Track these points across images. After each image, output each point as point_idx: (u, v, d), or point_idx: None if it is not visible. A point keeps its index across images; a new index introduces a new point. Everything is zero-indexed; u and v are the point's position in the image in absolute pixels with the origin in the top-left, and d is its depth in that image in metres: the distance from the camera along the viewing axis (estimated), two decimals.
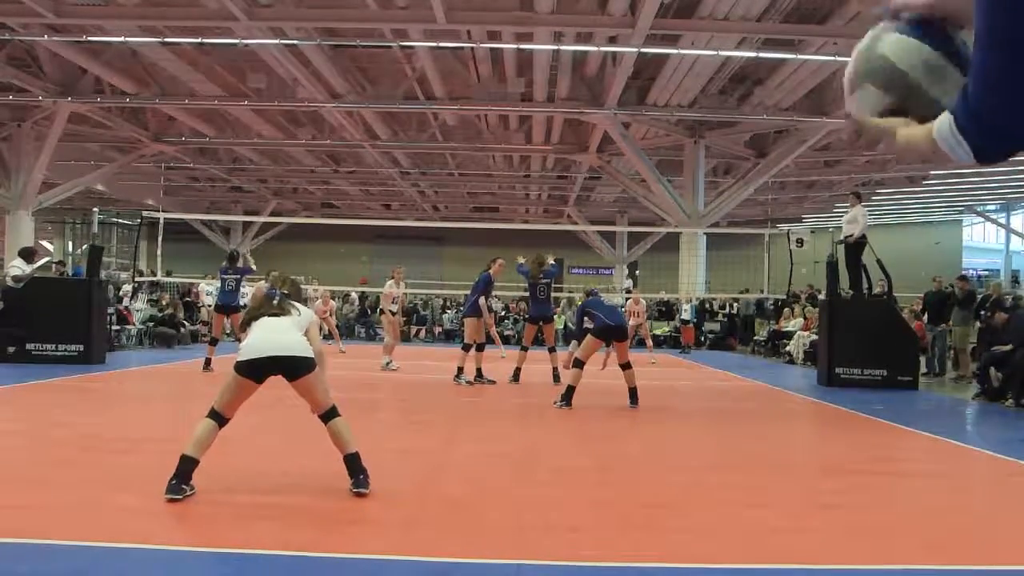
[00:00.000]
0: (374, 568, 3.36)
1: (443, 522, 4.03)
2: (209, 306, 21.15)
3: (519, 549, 3.56)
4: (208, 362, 11.49)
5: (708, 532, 3.97)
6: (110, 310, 14.92)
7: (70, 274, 17.91)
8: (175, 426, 6.83)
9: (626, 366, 8.76)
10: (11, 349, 11.49)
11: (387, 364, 12.60)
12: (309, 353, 4.40)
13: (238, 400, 4.41)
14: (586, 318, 8.68)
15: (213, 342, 11.85)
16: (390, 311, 13.45)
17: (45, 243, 35.28)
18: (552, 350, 11.16)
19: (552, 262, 11.50)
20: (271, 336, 4.39)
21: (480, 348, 10.95)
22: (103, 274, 13.47)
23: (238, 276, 11.86)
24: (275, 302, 4.58)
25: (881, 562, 3.58)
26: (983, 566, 3.64)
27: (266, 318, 4.51)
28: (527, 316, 11.57)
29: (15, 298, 11.90)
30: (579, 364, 8.52)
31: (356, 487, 4.39)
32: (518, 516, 4.17)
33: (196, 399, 7.61)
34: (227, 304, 11.70)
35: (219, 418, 4.36)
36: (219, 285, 12.05)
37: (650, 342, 17.18)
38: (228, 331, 13.53)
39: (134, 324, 17.30)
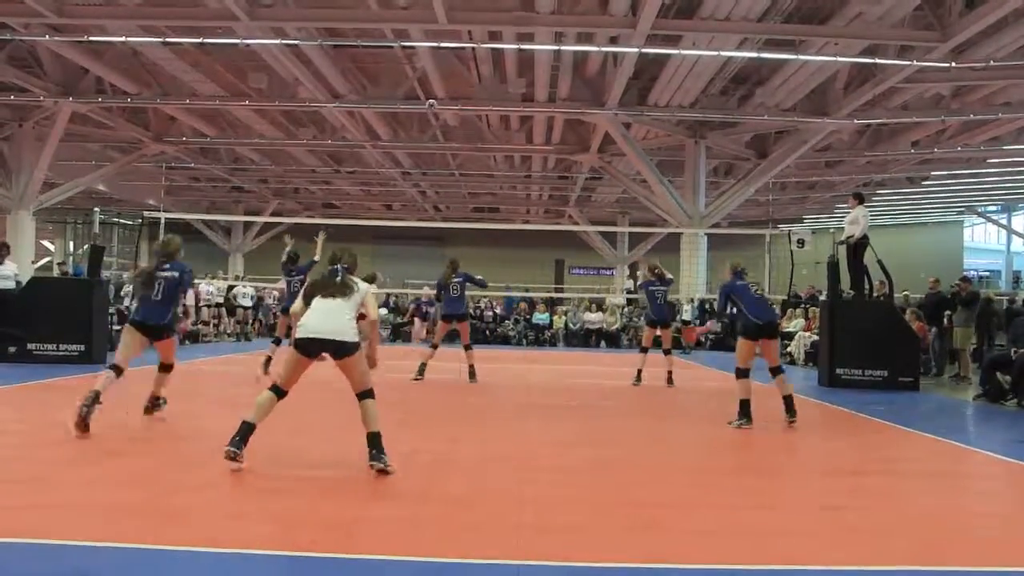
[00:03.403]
0: (375, 568, 3.36)
1: (444, 522, 4.02)
2: (210, 306, 21.18)
3: (519, 549, 3.56)
4: (268, 361, 11.12)
5: (708, 533, 3.97)
6: (111, 310, 14.92)
7: (71, 273, 17.92)
8: (176, 426, 6.84)
9: (778, 369, 7.59)
10: (12, 349, 11.49)
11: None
12: (353, 338, 4.88)
13: (295, 374, 4.92)
14: (730, 305, 7.59)
15: (276, 341, 11.72)
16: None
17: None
18: (468, 347, 11.26)
19: (479, 278, 11.40)
20: (323, 319, 4.86)
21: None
22: (105, 274, 13.46)
23: (303, 276, 11.35)
24: (338, 279, 5.01)
25: (882, 563, 3.57)
26: (984, 567, 3.63)
27: (320, 299, 4.96)
28: (442, 314, 11.60)
29: (15, 298, 11.90)
30: (743, 374, 7.46)
31: (371, 459, 4.75)
32: (518, 516, 4.17)
33: (196, 399, 7.62)
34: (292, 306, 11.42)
35: (279, 391, 4.89)
36: (285, 287, 11.97)
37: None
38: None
39: None
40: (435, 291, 11.49)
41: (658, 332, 11.50)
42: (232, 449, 4.69)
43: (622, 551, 3.62)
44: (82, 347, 11.63)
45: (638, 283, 12.04)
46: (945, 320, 14.35)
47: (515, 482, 4.99)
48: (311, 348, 4.85)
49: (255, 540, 3.61)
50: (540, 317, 23.86)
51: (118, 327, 16.23)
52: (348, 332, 4.86)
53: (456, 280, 10.99)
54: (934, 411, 9.91)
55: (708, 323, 8.93)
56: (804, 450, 6.71)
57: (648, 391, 10.85)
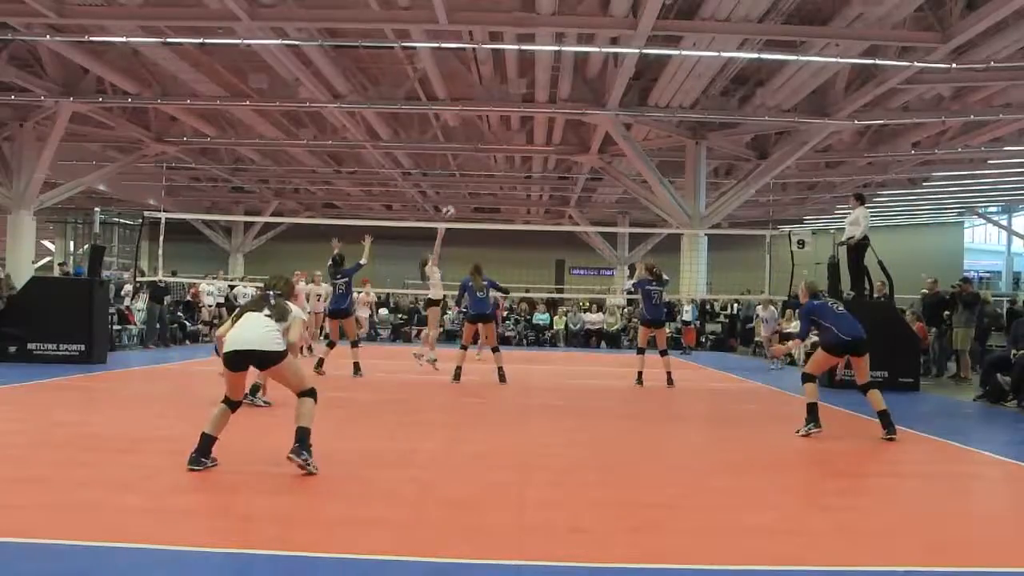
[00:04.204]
0: (375, 568, 3.36)
1: (444, 522, 4.03)
2: (210, 306, 21.19)
3: (519, 549, 3.56)
4: (320, 362, 11.35)
5: (708, 533, 3.97)
6: (111, 310, 14.92)
7: (72, 273, 17.93)
8: (176, 426, 6.84)
9: (870, 385, 7.19)
10: (12, 349, 11.50)
11: (428, 359, 12.53)
12: (276, 347, 4.93)
13: (234, 386, 5.01)
14: (813, 327, 7.24)
15: (330, 345, 11.88)
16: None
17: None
18: (495, 350, 11.36)
19: (501, 286, 11.83)
20: (244, 333, 4.94)
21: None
22: (105, 274, 13.46)
23: (347, 279, 11.64)
24: (271, 302, 5.11)
25: (882, 563, 3.58)
26: (984, 568, 3.63)
27: (249, 313, 5.06)
28: (467, 315, 11.73)
29: (16, 297, 11.91)
30: (809, 378, 7.24)
31: (291, 452, 4.80)
32: (518, 516, 4.17)
33: (197, 398, 7.63)
34: (338, 308, 11.63)
35: (229, 402, 4.98)
36: (330, 290, 12.11)
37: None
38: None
39: (135, 324, 17.31)
40: (458, 294, 11.68)
41: (652, 332, 11.49)
42: (192, 467, 4.80)
43: (622, 551, 3.63)
44: (82, 347, 11.64)
45: (633, 280, 12.08)
46: (945, 320, 14.36)
47: (515, 482, 4.99)
48: (235, 361, 4.91)
49: (256, 540, 3.62)
50: (540, 317, 23.88)
51: (118, 327, 16.29)
52: (269, 342, 4.89)
53: (484, 283, 11.23)
54: (934, 412, 9.91)
55: (790, 344, 8.50)
56: (804, 451, 6.71)
57: (648, 392, 10.85)
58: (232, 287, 22.33)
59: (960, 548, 3.94)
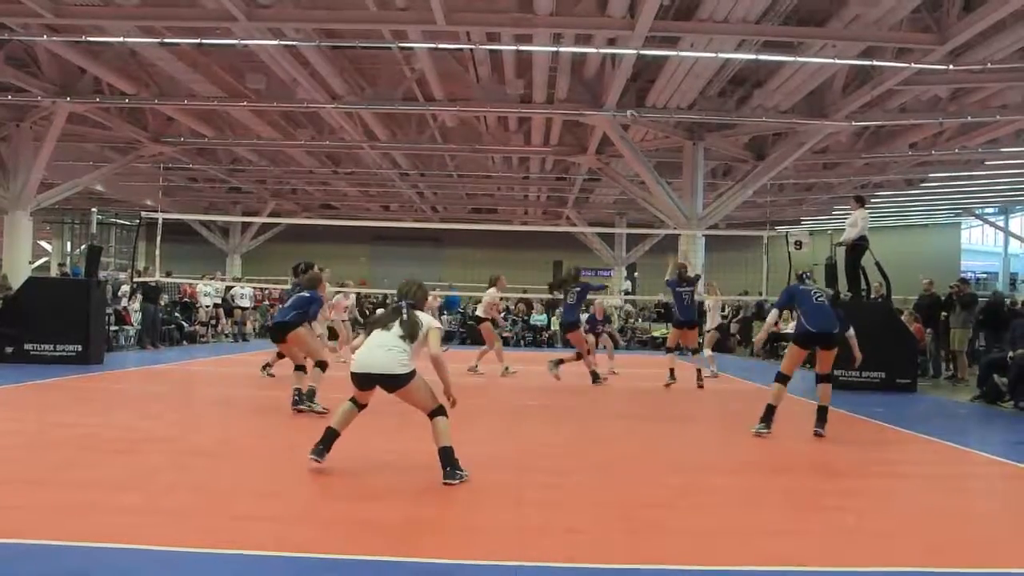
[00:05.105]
0: (374, 569, 3.36)
1: (443, 523, 4.03)
2: (207, 307, 21.16)
3: (519, 550, 3.56)
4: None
5: (706, 534, 3.97)
6: (108, 310, 14.90)
7: (70, 274, 17.91)
8: (174, 426, 6.83)
9: (825, 378, 7.18)
10: (9, 349, 11.47)
11: (506, 369, 12.52)
12: (401, 369, 4.73)
13: (361, 395, 4.97)
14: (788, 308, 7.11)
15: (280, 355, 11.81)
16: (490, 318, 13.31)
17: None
18: (578, 356, 11.74)
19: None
20: (372, 353, 4.77)
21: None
22: (103, 275, 13.44)
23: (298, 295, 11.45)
24: (403, 317, 4.84)
25: (880, 564, 3.58)
26: (983, 569, 3.64)
27: (378, 331, 4.84)
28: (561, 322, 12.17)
29: (13, 298, 11.89)
30: (782, 379, 7.10)
31: (444, 478, 4.72)
32: (518, 517, 4.17)
33: (195, 399, 7.62)
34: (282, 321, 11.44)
35: (356, 403, 4.97)
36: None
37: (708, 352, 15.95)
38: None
39: (132, 324, 17.28)
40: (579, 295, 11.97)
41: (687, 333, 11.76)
42: (314, 457, 4.83)
43: (621, 552, 3.63)
44: (79, 347, 11.62)
45: (667, 277, 12.32)
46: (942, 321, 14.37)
47: (514, 483, 4.99)
48: (362, 382, 4.86)
49: (254, 541, 3.61)
50: (538, 318, 23.87)
51: (115, 327, 16.27)
52: (395, 365, 4.73)
53: (575, 289, 11.59)
54: (932, 413, 9.93)
55: (766, 323, 7.90)
56: (802, 452, 6.72)
57: (647, 392, 10.87)
58: (229, 288, 22.30)
59: (959, 549, 3.94)
